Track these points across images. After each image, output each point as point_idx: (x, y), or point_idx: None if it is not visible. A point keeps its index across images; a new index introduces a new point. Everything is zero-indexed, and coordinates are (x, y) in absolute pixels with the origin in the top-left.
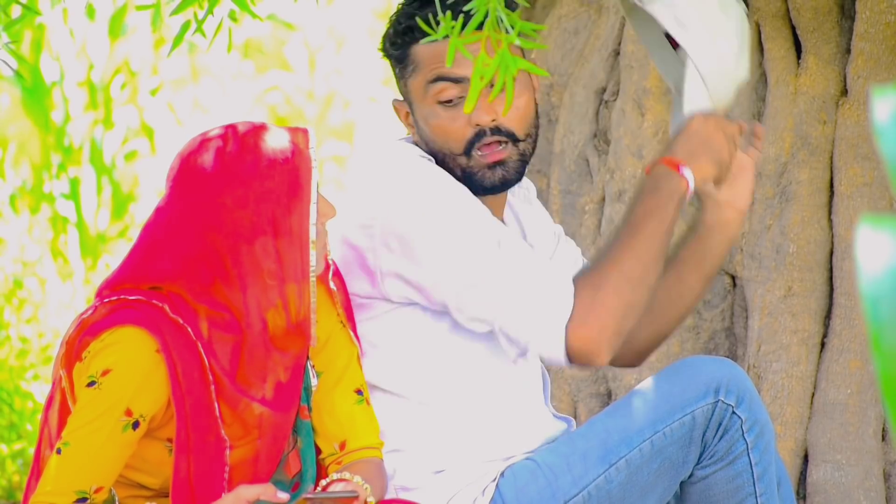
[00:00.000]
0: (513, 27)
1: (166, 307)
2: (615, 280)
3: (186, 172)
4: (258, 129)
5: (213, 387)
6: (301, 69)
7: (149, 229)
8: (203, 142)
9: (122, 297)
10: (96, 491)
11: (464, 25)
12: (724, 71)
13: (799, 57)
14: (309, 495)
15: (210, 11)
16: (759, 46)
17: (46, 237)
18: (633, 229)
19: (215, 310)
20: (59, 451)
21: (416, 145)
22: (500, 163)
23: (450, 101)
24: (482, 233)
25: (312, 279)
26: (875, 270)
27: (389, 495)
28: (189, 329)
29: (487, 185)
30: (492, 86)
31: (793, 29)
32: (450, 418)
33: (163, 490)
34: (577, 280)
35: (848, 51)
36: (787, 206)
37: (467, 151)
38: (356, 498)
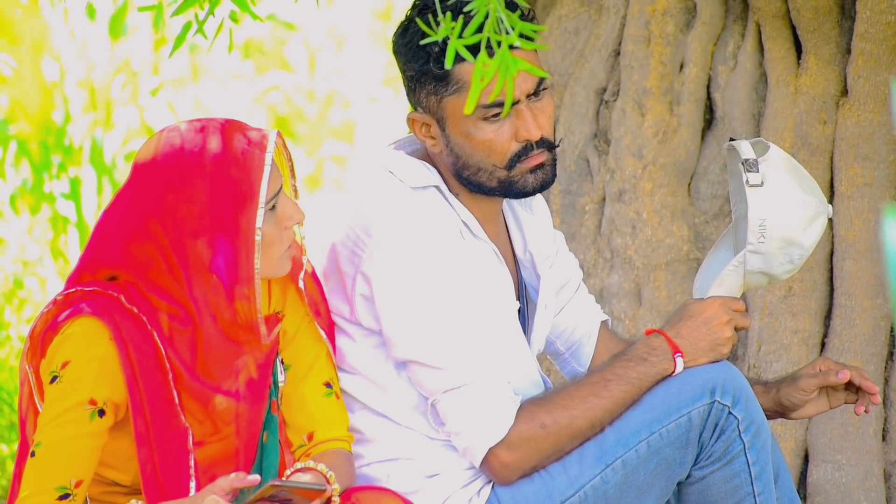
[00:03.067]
0: (513, 28)
1: (122, 297)
2: (561, 427)
3: (143, 161)
4: (218, 127)
5: (170, 375)
6: (301, 69)
7: (105, 214)
8: (165, 133)
9: (78, 288)
10: (76, 485)
11: (463, 27)
12: (785, 235)
13: (799, 57)
14: (277, 482)
15: (211, 12)
16: (759, 46)
17: (47, 237)
18: (604, 387)
19: (170, 304)
20: (32, 454)
21: (429, 158)
22: (539, 166)
23: (495, 117)
24: (454, 314)
25: (257, 280)
26: None
27: None
28: (145, 318)
29: (529, 190)
30: (535, 94)
31: (793, 29)
32: (440, 437)
33: (135, 487)
34: (531, 405)
35: (848, 51)
36: None
37: (510, 165)
38: (323, 491)
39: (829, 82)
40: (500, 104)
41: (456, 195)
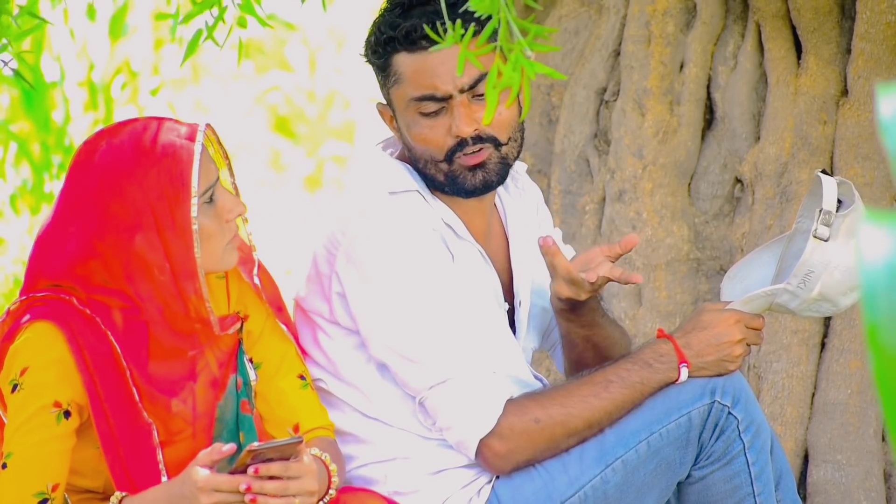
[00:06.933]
0: (525, 33)
1: (73, 300)
2: (556, 423)
3: (74, 167)
4: (147, 124)
5: (128, 373)
6: (301, 69)
7: (43, 227)
8: (96, 136)
9: (31, 295)
10: (53, 489)
11: (464, 33)
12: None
13: (799, 57)
14: (253, 446)
15: (220, 18)
16: (759, 46)
17: None
18: (605, 388)
19: (121, 300)
20: (4, 466)
21: (403, 152)
22: (480, 165)
23: (432, 113)
24: (426, 307)
25: (201, 273)
26: (874, 265)
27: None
28: (98, 319)
29: (469, 188)
30: (477, 95)
31: (793, 29)
32: (433, 436)
33: (108, 492)
34: (525, 399)
35: (848, 51)
36: (787, 206)
37: (448, 158)
38: (300, 442)
39: (829, 82)
40: (430, 97)
41: (437, 197)
